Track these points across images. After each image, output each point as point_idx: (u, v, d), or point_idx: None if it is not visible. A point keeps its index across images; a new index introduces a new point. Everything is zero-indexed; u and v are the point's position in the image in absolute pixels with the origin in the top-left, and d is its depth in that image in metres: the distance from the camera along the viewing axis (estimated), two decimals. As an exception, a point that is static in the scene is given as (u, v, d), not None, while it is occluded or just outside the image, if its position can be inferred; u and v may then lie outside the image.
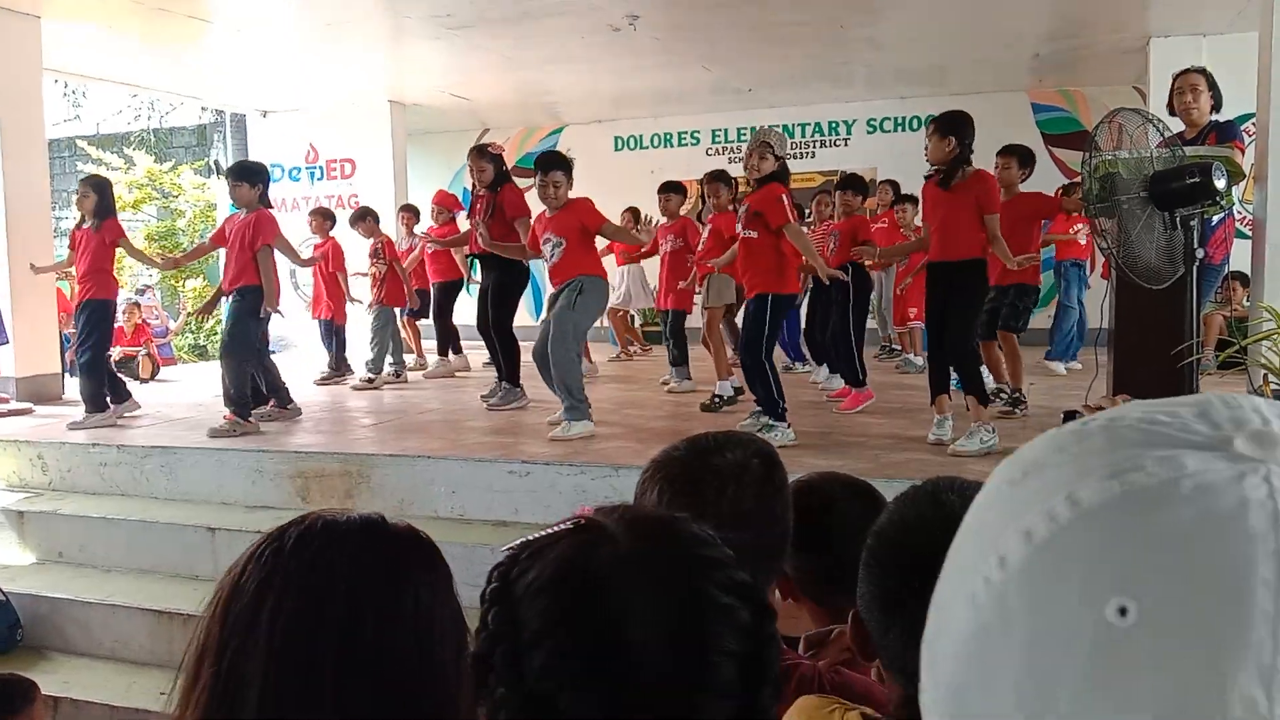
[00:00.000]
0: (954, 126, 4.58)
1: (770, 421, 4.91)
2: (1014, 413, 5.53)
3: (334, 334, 8.27)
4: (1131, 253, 3.81)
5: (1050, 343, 7.88)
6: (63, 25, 7.22)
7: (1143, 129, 3.96)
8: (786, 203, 4.99)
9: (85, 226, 6.14)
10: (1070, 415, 3.82)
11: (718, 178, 6.58)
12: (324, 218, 8.25)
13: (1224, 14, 7.56)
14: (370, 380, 7.65)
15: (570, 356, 5.19)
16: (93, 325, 6.06)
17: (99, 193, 6.17)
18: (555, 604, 0.72)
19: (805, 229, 5.90)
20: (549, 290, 6.07)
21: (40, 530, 4.88)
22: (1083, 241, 7.44)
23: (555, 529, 0.77)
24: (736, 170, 9.33)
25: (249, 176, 5.81)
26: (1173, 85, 4.86)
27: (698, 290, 6.82)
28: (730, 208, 6.44)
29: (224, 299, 5.95)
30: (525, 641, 0.72)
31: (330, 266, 8.10)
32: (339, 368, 8.22)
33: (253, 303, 5.65)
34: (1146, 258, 3.80)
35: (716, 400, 5.96)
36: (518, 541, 0.79)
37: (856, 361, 6.00)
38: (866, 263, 5.67)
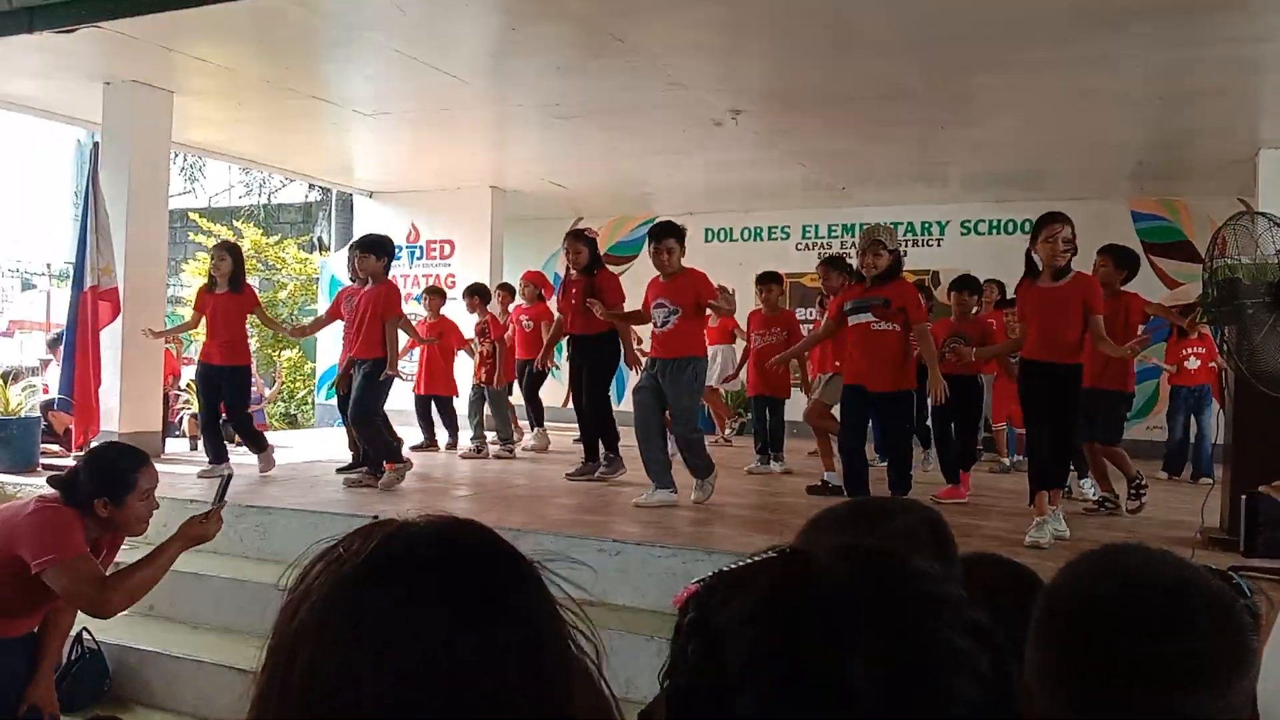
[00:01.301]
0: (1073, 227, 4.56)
1: None
2: (1098, 509, 5.54)
3: (441, 409, 8.49)
4: (1255, 359, 3.68)
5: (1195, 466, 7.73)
6: (192, 101, 7.63)
7: (1268, 234, 3.87)
8: (922, 301, 5.11)
9: (218, 291, 6.44)
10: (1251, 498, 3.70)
11: (831, 262, 6.67)
12: (437, 295, 8.50)
13: (1338, 126, 7.43)
14: (478, 449, 7.93)
15: (697, 435, 5.44)
16: (240, 389, 6.65)
17: (235, 258, 6.49)
18: (766, 637, 0.64)
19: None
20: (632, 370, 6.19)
21: (134, 582, 4.96)
22: (1192, 366, 7.27)
23: (756, 558, 0.71)
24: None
25: (376, 249, 6.04)
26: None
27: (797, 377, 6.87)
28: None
29: (341, 368, 6.24)
30: (730, 680, 0.64)
31: (456, 345, 8.33)
32: (454, 438, 8.51)
33: (379, 374, 5.89)
34: (1270, 364, 3.67)
35: (827, 486, 5.94)
36: (711, 574, 0.73)
37: (966, 458, 6.01)
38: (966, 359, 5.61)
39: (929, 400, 6.37)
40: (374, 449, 6.00)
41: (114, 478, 2.82)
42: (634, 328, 6.39)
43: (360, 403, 6.00)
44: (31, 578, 2.71)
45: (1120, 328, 5.19)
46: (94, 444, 6.96)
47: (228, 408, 6.68)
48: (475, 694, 0.66)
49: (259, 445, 6.57)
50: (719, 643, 0.65)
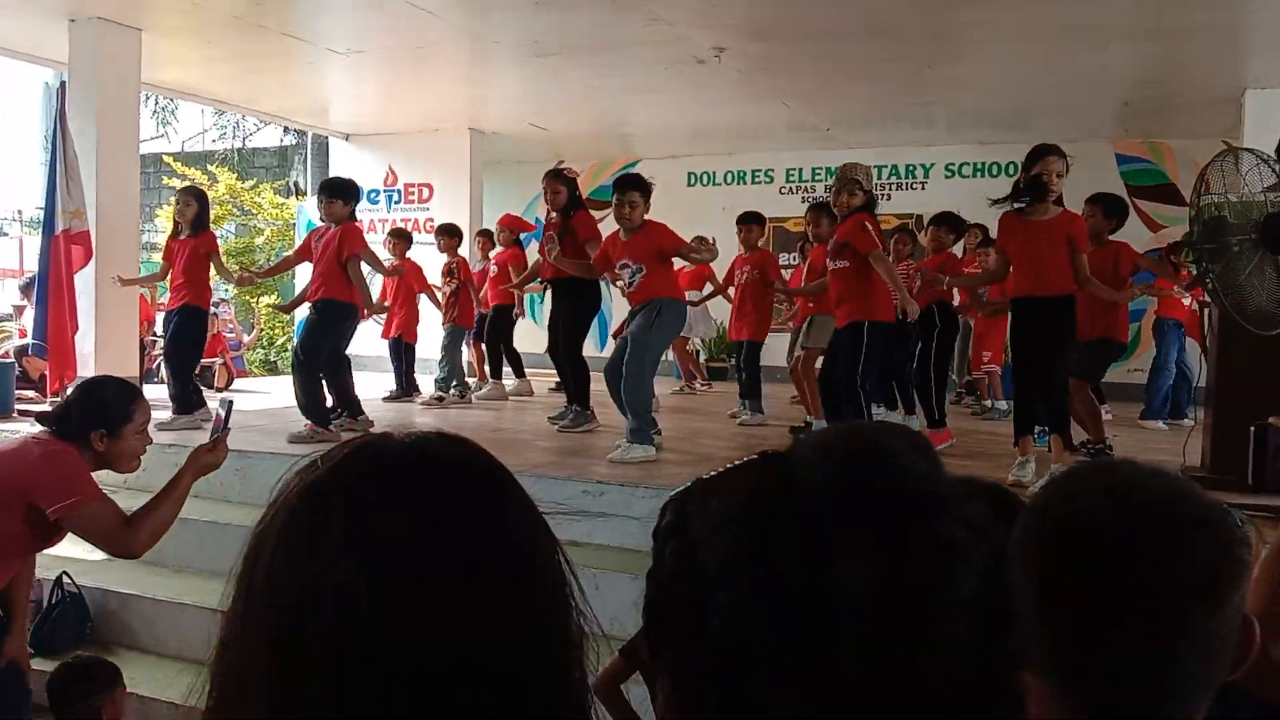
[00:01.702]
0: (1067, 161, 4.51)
1: None
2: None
3: (403, 353, 8.33)
4: (1239, 297, 3.67)
5: (1148, 403, 7.62)
6: (162, 39, 7.43)
7: (1255, 170, 3.83)
8: (873, 230, 4.95)
9: (182, 236, 6.30)
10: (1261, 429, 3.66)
11: (820, 208, 6.49)
12: (401, 239, 8.34)
13: (1325, 66, 7.38)
14: (440, 398, 7.69)
15: (643, 375, 5.18)
16: (187, 330, 6.25)
17: (200, 203, 6.35)
18: (742, 538, 0.60)
19: None
20: (622, 317, 6.05)
21: (114, 527, 4.92)
22: (1186, 301, 7.21)
23: (736, 462, 0.67)
24: (802, 210, 9.33)
25: (343, 193, 5.91)
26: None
27: (778, 322, 6.77)
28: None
29: (300, 312, 6.06)
30: (708, 583, 0.61)
31: (417, 286, 8.17)
32: (408, 387, 8.27)
33: (329, 317, 5.74)
34: (1256, 302, 3.66)
35: (811, 430, 5.88)
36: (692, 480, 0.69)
37: (934, 401, 5.87)
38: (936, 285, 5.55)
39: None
40: (305, 398, 5.70)
41: (111, 409, 2.77)
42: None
43: (305, 344, 5.81)
44: (29, 523, 2.65)
45: (1110, 277, 5.15)
46: (69, 388, 6.92)
47: (166, 348, 6.44)
48: (443, 610, 0.62)
49: (183, 404, 6.14)
50: (695, 546, 0.63)
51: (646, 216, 5.42)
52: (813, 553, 0.58)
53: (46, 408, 6.63)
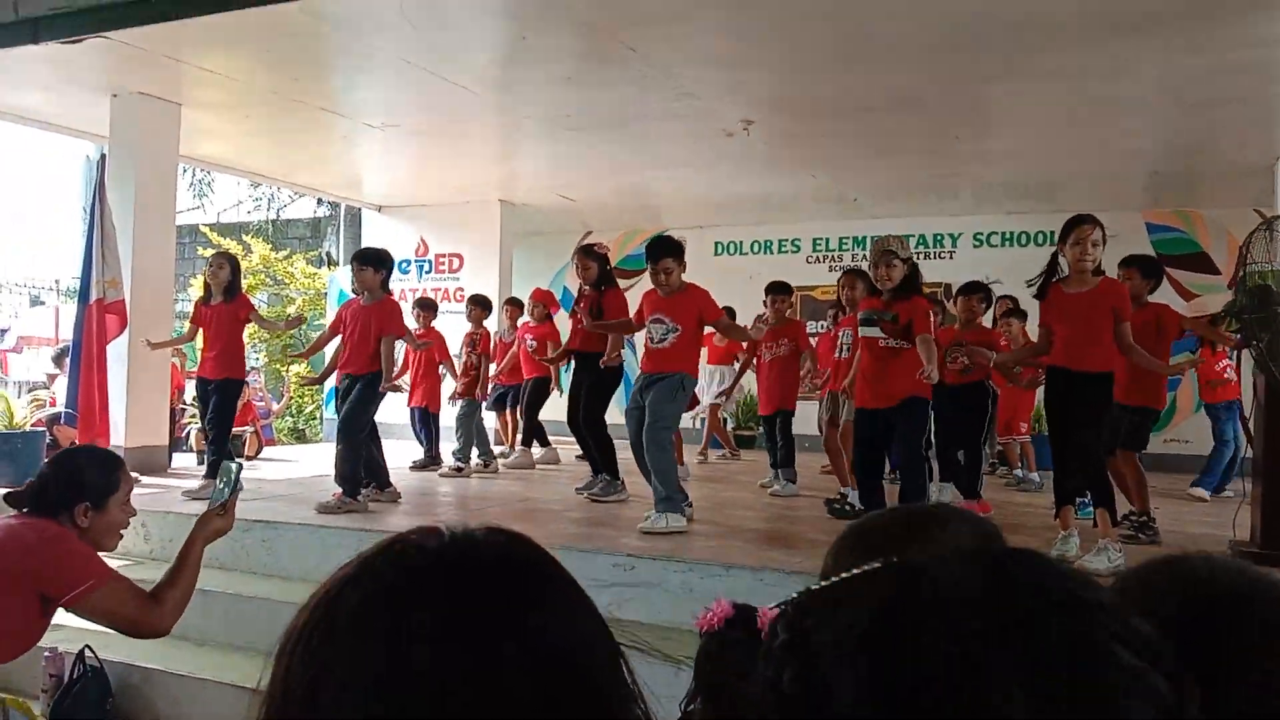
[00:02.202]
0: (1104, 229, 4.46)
1: None
2: (1138, 537, 5.16)
3: (427, 422, 8.31)
4: (1288, 367, 3.58)
5: (1202, 473, 7.46)
6: (200, 113, 7.58)
7: (1297, 239, 3.77)
8: (930, 316, 4.94)
9: (214, 303, 6.34)
10: None
11: (857, 273, 6.44)
12: (427, 309, 8.37)
13: (1358, 135, 7.34)
14: (459, 469, 7.65)
15: (666, 446, 5.13)
16: (227, 403, 6.34)
17: (233, 267, 6.40)
18: (884, 659, 0.52)
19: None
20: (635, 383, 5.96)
21: (139, 598, 4.87)
22: (1234, 379, 7.10)
23: (852, 572, 0.59)
24: (835, 278, 9.32)
25: (375, 262, 5.94)
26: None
27: (804, 391, 6.69)
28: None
29: (336, 381, 6.07)
30: (841, 713, 0.52)
31: (438, 356, 8.19)
32: (434, 456, 8.24)
33: (372, 388, 5.74)
34: (1305, 373, 3.57)
35: (849, 506, 5.77)
36: (796, 592, 0.61)
37: (979, 472, 5.77)
38: (978, 360, 5.39)
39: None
40: (345, 467, 5.70)
41: (95, 480, 2.67)
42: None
43: (351, 416, 5.81)
44: (39, 613, 2.57)
45: (1152, 341, 5.04)
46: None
47: (207, 420, 6.46)
48: (459, 710, 0.58)
49: (215, 470, 6.21)
50: (821, 669, 0.54)
51: (684, 278, 5.42)
52: (971, 677, 0.50)
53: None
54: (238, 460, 2.89)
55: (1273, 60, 6.02)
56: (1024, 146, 8.13)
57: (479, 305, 8.29)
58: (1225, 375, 7.12)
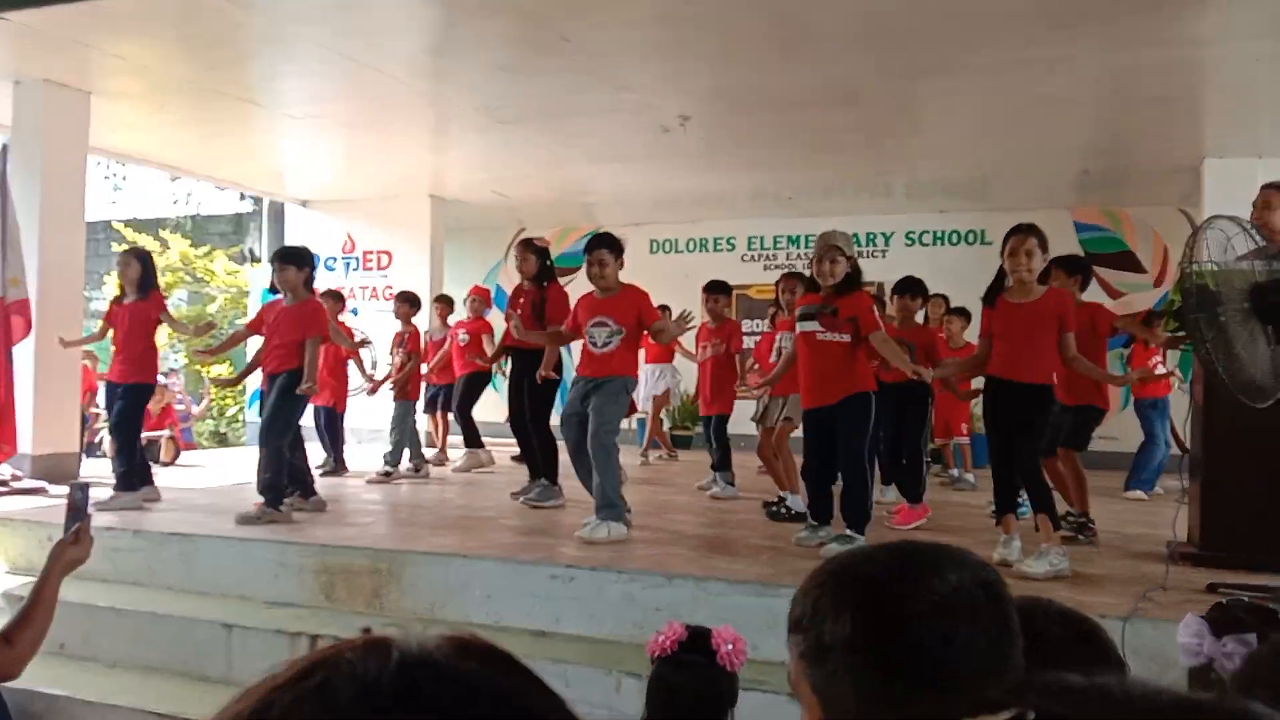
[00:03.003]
0: (1044, 238, 4.39)
1: (854, 534, 4.59)
2: (1077, 539, 5.15)
3: (333, 423, 7.91)
4: (1234, 366, 3.56)
5: (1132, 474, 7.50)
6: (112, 103, 7.22)
7: (1240, 238, 3.75)
8: (876, 311, 4.81)
9: (126, 302, 5.99)
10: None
11: (795, 276, 6.32)
12: (335, 300, 7.97)
13: (1282, 136, 7.49)
14: (387, 473, 7.39)
15: (612, 453, 4.94)
16: (133, 410, 5.95)
17: (143, 263, 6.05)
18: None
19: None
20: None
21: (44, 618, 4.56)
22: (1163, 376, 7.18)
23: None
24: (771, 276, 9.27)
25: (296, 260, 5.68)
26: (1259, 198, 4.70)
27: (743, 390, 6.56)
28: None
29: (262, 384, 5.78)
30: None
31: (345, 351, 7.80)
32: (338, 460, 7.87)
33: (293, 387, 5.47)
34: (1250, 374, 3.55)
35: (785, 510, 5.66)
36: None
37: (921, 476, 5.71)
38: (927, 378, 5.26)
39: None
40: (267, 475, 5.40)
41: None
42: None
43: (271, 420, 5.53)
44: None
45: (1088, 337, 5.01)
46: (3, 466, 6.54)
47: (112, 425, 6.09)
48: None
49: (125, 481, 5.82)
50: None
51: (621, 278, 5.25)
52: None
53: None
54: (83, 481, 2.64)
55: (1201, 59, 6.09)
56: (956, 143, 8.16)
57: (407, 303, 8.01)
58: (1155, 370, 7.20)
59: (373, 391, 7.96)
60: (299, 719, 0.43)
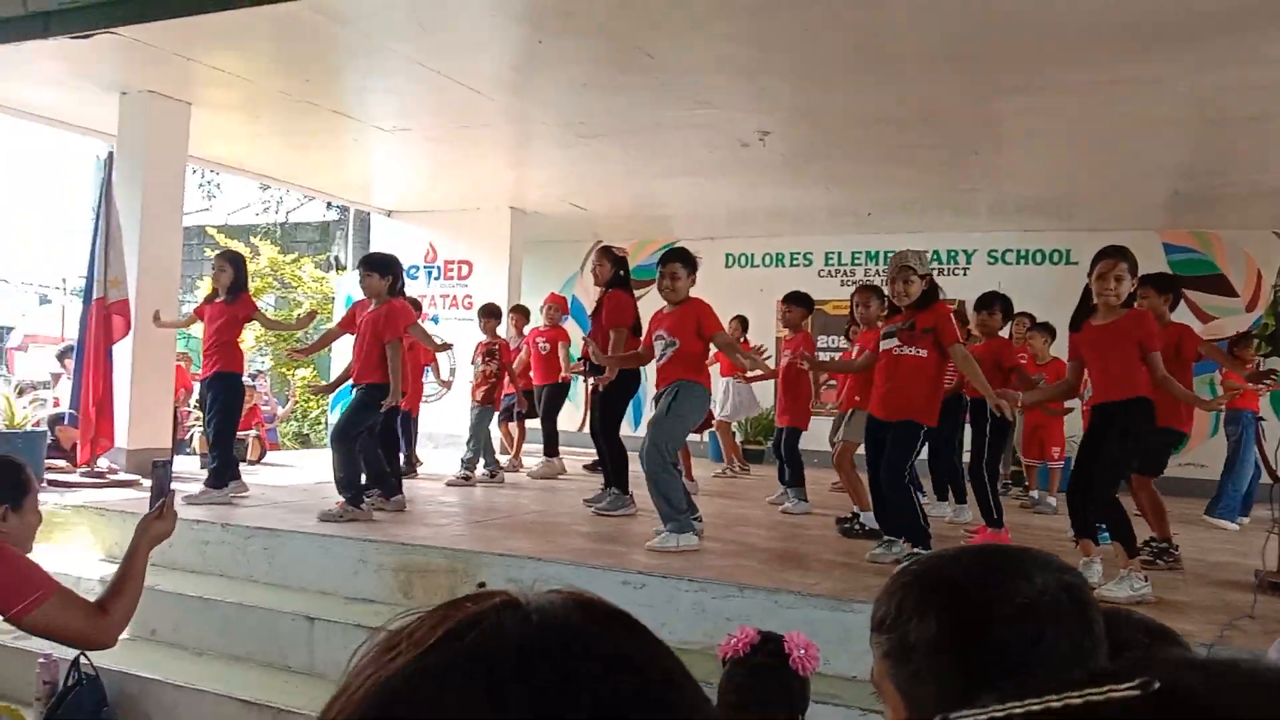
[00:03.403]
0: (1134, 262, 4.33)
1: (920, 550, 4.56)
2: (1156, 564, 5.02)
3: (406, 426, 7.98)
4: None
5: (1217, 498, 7.29)
6: (210, 113, 7.51)
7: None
8: (955, 323, 4.77)
9: (217, 301, 6.22)
10: None
11: (870, 289, 6.29)
12: (492, 316, 8.25)
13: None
14: (466, 478, 7.53)
15: (663, 466, 4.95)
16: (224, 399, 6.09)
17: (235, 267, 6.26)
18: None
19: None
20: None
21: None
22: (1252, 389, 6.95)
23: (1093, 694, 0.46)
24: (847, 293, 9.20)
25: (380, 267, 5.82)
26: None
27: (817, 407, 6.56)
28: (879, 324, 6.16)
29: (350, 387, 5.95)
30: None
31: (424, 359, 7.98)
32: (410, 461, 8.01)
33: (374, 399, 5.62)
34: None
35: (859, 526, 5.64)
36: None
37: (992, 499, 5.62)
38: (1007, 413, 5.16)
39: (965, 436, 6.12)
40: (343, 475, 5.57)
41: (9, 478, 2.53)
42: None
43: (341, 423, 5.71)
44: None
45: (1172, 360, 4.91)
46: (101, 459, 6.82)
47: (205, 419, 6.26)
48: None
49: (218, 478, 6.00)
50: None
51: (691, 293, 5.30)
52: None
53: (76, 478, 6.56)
54: (165, 459, 2.73)
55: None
56: (1041, 162, 8.03)
57: (490, 316, 8.18)
58: (1247, 385, 6.96)
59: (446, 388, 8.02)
60: (456, 680, 0.45)
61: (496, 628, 0.47)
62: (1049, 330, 7.56)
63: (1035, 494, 7.69)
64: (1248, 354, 6.16)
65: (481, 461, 7.79)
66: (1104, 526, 4.65)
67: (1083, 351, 4.42)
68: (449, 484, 7.46)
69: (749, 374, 7.99)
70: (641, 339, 5.74)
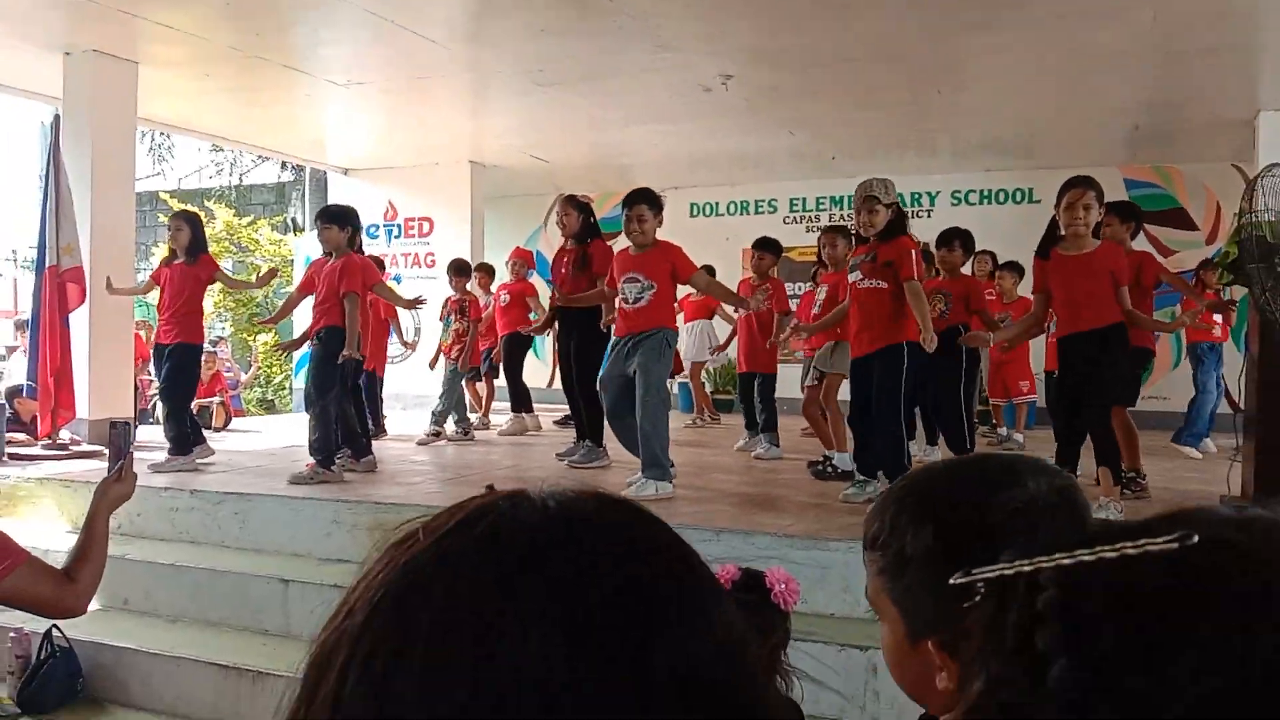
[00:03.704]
0: (1101, 191, 4.35)
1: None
2: (1127, 493, 5.11)
3: (371, 386, 7.78)
4: (1291, 317, 3.50)
5: (1185, 426, 7.40)
6: (158, 72, 7.29)
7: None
8: (916, 258, 4.72)
9: (177, 262, 6.06)
10: None
11: (836, 230, 6.29)
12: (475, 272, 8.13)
13: (1341, 87, 7.28)
14: (436, 433, 7.47)
15: (661, 411, 4.96)
16: (181, 369, 5.97)
17: (192, 226, 6.12)
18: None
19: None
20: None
21: (107, 575, 4.65)
22: (1219, 319, 7.04)
23: (1120, 549, 0.47)
24: (814, 239, 9.19)
25: (338, 219, 5.72)
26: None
27: (785, 352, 6.55)
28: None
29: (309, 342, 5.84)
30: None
31: (384, 314, 7.85)
32: (377, 423, 7.85)
33: (335, 346, 5.52)
34: (1308, 323, 3.49)
35: (831, 468, 5.63)
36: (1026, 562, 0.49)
37: (967, 435, 5.67)
38: (982, 346, 5.16)
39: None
40: (316, 435, 5.44)
41: None
42: None
43: (313, 377, 5.60)
44: None
45: (1133, 288, 4.96)
46: (64, 431, 6.70)
47: (161, 386, 6.10)
48: None
49: (178, 445, 5.86)
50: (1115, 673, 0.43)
51: (658, 235, 5.25)
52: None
53: (38, 450, 6.44)
54: (124, 420, 2.66)
55: (1254, 6, 5.92)
56: (1003, 101, 8.01)
57: (459, 273, 8.07)
58: (1213, 318, 7.06)
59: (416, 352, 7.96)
60: (475, 563, 0.45)
61: (510, 517, 0.47)
62: (1018, 269, 7.60)
63: (1003, 431, 7.78)
64: (1211, 278, 6.23)
65: (453, 418, 7.73)
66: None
67: (1050, 281, 4.44)
68: (420, 442, 7.40)
69: (714, 330, 8.01)
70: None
